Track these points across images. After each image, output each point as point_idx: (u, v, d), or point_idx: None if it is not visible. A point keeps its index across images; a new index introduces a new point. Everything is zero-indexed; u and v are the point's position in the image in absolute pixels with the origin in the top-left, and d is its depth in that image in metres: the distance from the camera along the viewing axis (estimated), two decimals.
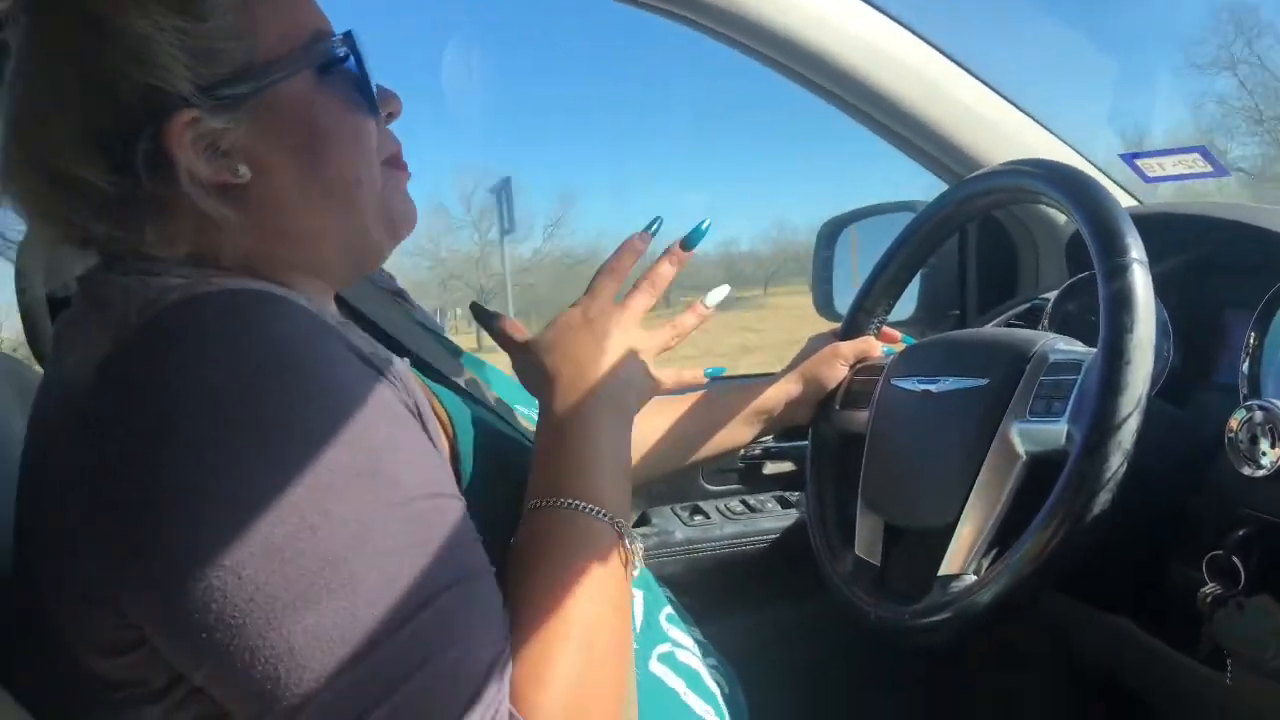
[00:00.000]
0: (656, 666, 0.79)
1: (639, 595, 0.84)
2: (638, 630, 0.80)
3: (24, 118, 0.66)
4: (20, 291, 1.26)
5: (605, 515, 0.70)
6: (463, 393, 0.81)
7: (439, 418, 0.70)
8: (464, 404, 0.75)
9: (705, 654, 0.88)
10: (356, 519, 0.56)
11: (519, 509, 0.70)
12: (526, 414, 0.87)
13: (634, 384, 0.79)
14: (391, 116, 0.76)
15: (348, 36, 0.70)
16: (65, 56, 0.64)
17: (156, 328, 0.59)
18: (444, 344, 0.89)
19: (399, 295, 0.96)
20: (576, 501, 0.69)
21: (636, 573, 0.71)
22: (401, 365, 0.68)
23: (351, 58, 0.70)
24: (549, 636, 0.62)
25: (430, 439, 0.66)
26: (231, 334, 0.58)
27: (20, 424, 0.80)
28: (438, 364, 0.83)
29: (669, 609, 0.88)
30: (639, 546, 0.71)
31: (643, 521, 1.43)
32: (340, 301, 0.84)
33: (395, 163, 0.76)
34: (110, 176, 0.64)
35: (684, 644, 0.85)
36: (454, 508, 0.62)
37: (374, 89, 0.72)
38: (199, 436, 0.55)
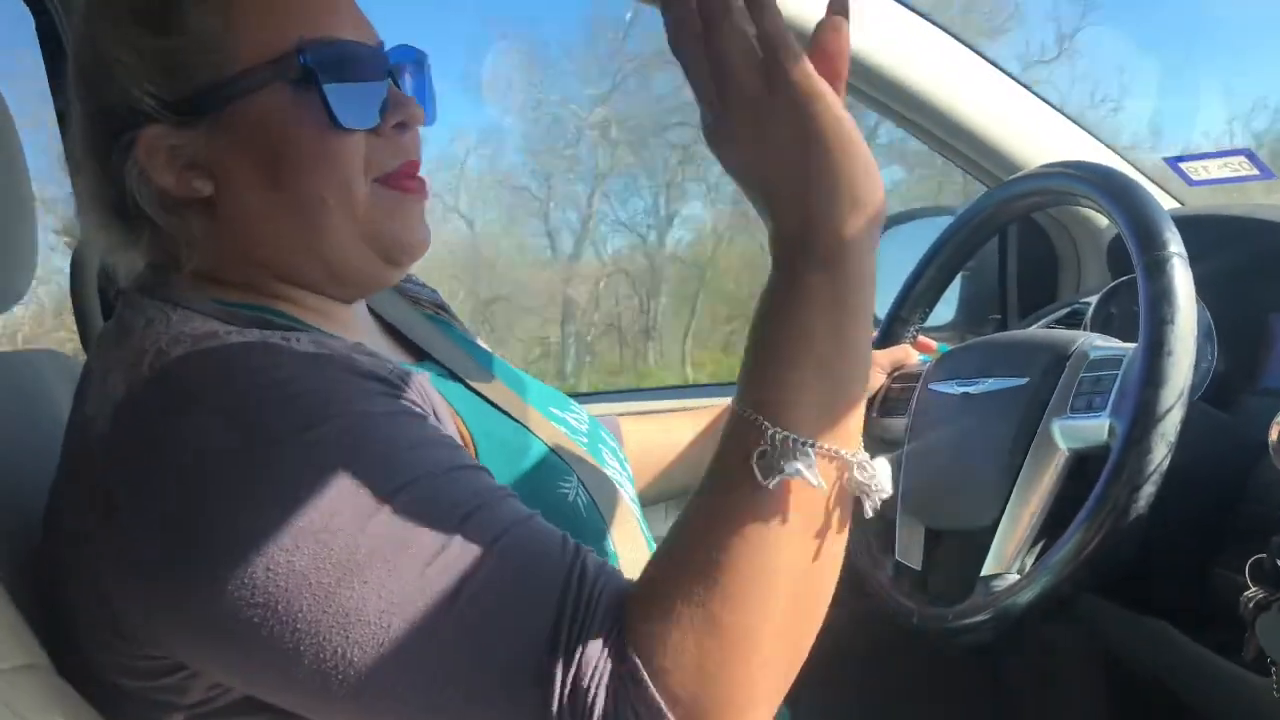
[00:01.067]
0: None
1: None
2: None
3: (69, 104, 0.70)
4: (74, 286, 1.30)
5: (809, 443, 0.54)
6: (492, 407, 0.79)
7: (460, 433, 0.69)
8: (490, 423, 0.74)
9: None
10: (388, 516, 0.56)
11: (553, 523, 0.67)
12: (560, 417, 0.87)
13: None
14: (404, 126, 0.70)
15: (338, 45, 0.67)
16: (74, 57, 0.69)
17: (163, 385, 0.60)
18: (478, 356, 0.88)
19: (441, 309, 0.96)
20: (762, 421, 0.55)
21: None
22: (420, 378, 0.67)
23: (335, 68, 0.66)
24: (684, 573, 0.54)
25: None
26: (226, 391, 0.59)
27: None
28: (468, 377, 0.80)
29: None
30: (873, 478, 0.57)
31: None
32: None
33: (396, 181, 0.70)
34: (104, 171, 0.68)
35: None
36: (482, 476, 0.61)
37: (362, 101, 0.67)
38: (203, 491, 0.57)
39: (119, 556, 0.59)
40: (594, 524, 0.73)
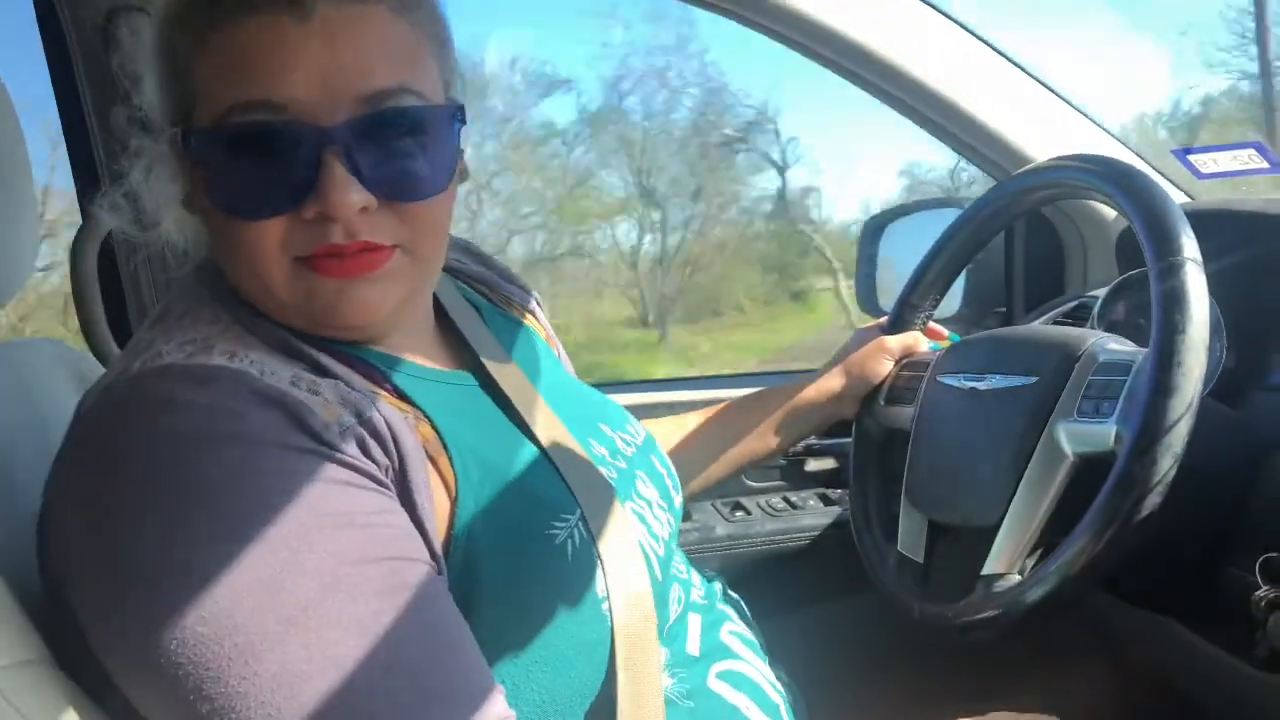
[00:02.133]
0: (716, 684, 0.78)
1: (696, 621, 0.82)
2: (697, 654, 0.79)
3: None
4: (74, 274, 1.29)
5: None
6: (516, 429, 0.77)
7: (443, 474, 0.68)
8: (495, 453, 0.72)
9: (769, 663, 0.87)
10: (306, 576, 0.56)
11: (521, 566, 0.68)
12: (608, 436, 0.85)
13: None
14: (326, 217, 0.65)
15: (263, 122, 0.63)
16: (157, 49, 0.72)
17: (131, 386, 0.61)
18: (534, 368, 0.86)
19: (529, 312, 0.96)
20: None
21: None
22: (399, 423, 0.65)
23: (253, 145, 0.64)
24: None
25: (414, 497, 0.64)
26: (163, 420, 0.58)
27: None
28: (511, 392, 0.79)
29: (732, 624, 0.87)
30: None
31: (684, 517, 1.44)
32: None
33: (313, 263, 0.66)
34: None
35: (746, 657, 0.84)
36: (416, 571, 0.61)
37: (274, 182, 0.64)
38: (116, 512, 0.57)
39: (72, 562, 0.59)
40: (583, 565, 0.71)
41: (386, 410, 0.65)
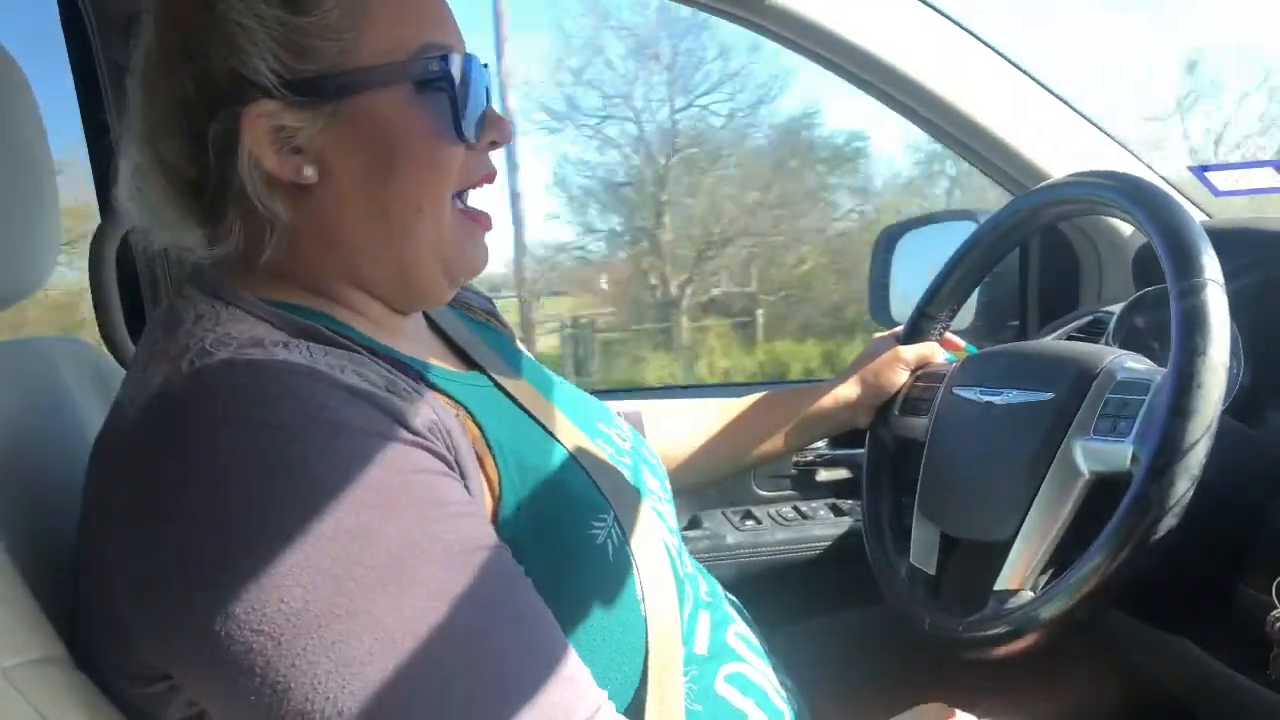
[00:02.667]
0: (724, 688, 0.78)
1: (705, 618, 0.82)
2: (705, 653, 0.79)
3: (143, 83, 0.68)
4: (93, 277, 1.30)
5: None
6: (539, 427, 0.78)
7: (488, 477, 0.68)
8: (529, 451, 0.72)
9: (773, 667, 0.87)
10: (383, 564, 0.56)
11: (565, 568, 0.68)
12: (604, 433, 0.86)
13: None
14: (495, 145, 0.74)
15: (458, 57, 0.68)
16: (174, 24, 0.66)
17: (200, 383, 0.59)
18: (526, 369, 0.87)
19: (491, 315, 0.96)
20: None
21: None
22: (453, 423, 0.66)
23: (454, 81, 0.68)
24: None
25: (472, 494, 0.65)
26: (266, 409, 0.58)
27: (94, 409, 0.83)
28: (517, 394, 0.79)
29: (735, 624, 0.87)
30: None
31: (694, 524, 1.44)
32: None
33: (473, 215, 0.74)
34: (186, 150, 0.66)
35: (749, 659, 0.84)
36: (497, 557, 0.62)
37: (472, 116, 0.69)
38: (216, 497, 0.56)
39: (130, 552, 0.58)
40: (621, 567, 0.71)
41: (440, 407, 0.66)
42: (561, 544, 0.68)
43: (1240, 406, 1.00)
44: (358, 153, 0.67)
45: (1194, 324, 0.80)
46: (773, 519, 1.45)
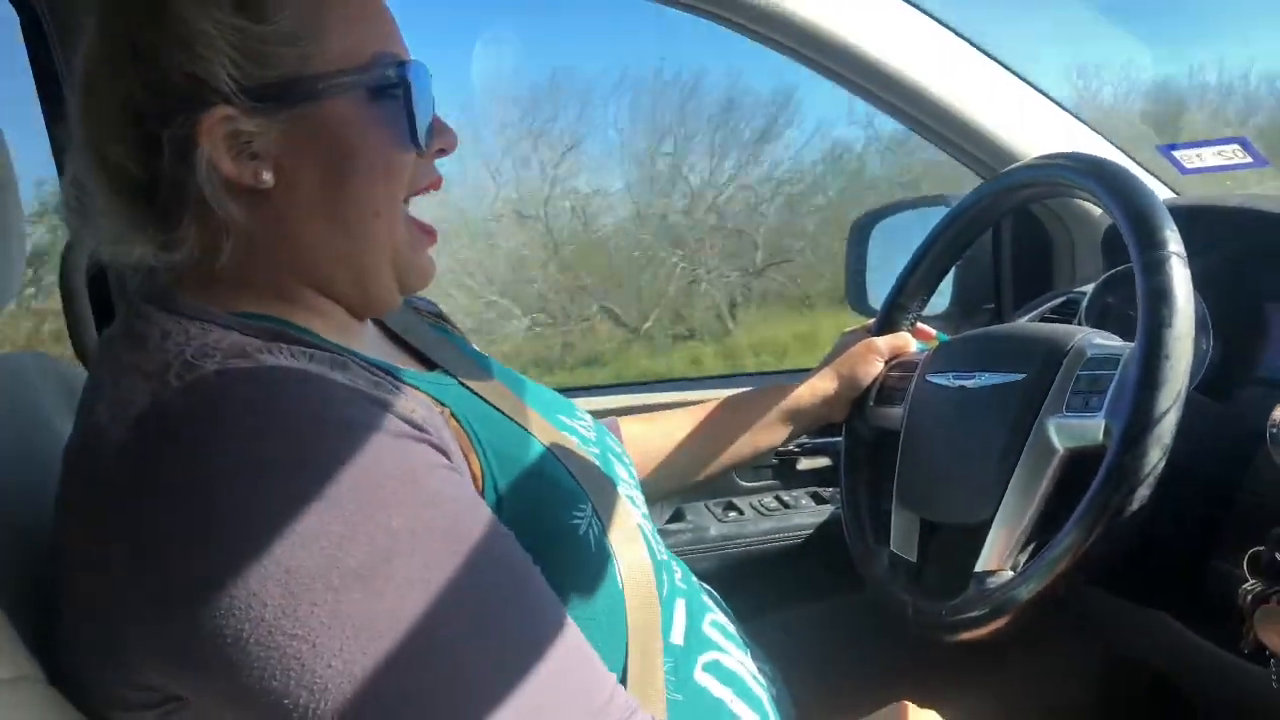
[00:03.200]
0: (702, 676, 0.78)
1: (681, 606, 0.83)
2: (681, 643, 0.79)
3: (84, 87, 0.67)
4: (64, 287, 1.29)
5: None
6: (509, 422, 0.78)
7: (472, 470, 0.69)
8: (506, 444, 0.73)
9: (752, 656, 0.88)
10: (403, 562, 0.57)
11: (549, 559, 0.68)
12: (568, 425, 0.86)
13: None
14: (443, 152, 0.75)
15: (410, 66, 0.69)
16: (123, 26, 0.65)
17: (198, 395, 0.58)
18: (485, 365, 0.87)
19: (439, 317, 0.96)
20: None
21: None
22: (436, 416, 0.67)
23: (407, 88, 0.68)
24: None
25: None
26: (271, 415, 0.57)
27: (69, 426, 0.82)
28: (482, 391, 0.80)
29: (712, 613, 0.87)
30: None
31: (677, 517, 1.44)
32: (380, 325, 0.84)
33: (420, 225, 0.75)
34: (135, 155, 0.65)
35: (727, 648, 0.84)
36: (511, 547, 0.63)
37: (423, 124, 0.70)
38: (231, 505, 0.55)
39: (136, 571, 0.57)
40: (602, 556, 0.72)
41: (425, 404, 0.67)
42: (545, 535, 0.68)
43: (1210, 382, 1.01)
44: (315, 158, 0.67)
45: (1159, 297, 0.81)
46: (755, 509, 1.46)
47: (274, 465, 0.56)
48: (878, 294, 1.46)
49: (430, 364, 0.82)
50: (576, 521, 0.71)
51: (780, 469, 1.51)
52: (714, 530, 1.41)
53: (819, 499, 1.48)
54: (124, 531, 0.57)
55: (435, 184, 0.76)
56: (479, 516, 0.62)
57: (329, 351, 0.66)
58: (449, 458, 0.64)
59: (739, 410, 1.17)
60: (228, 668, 0.54)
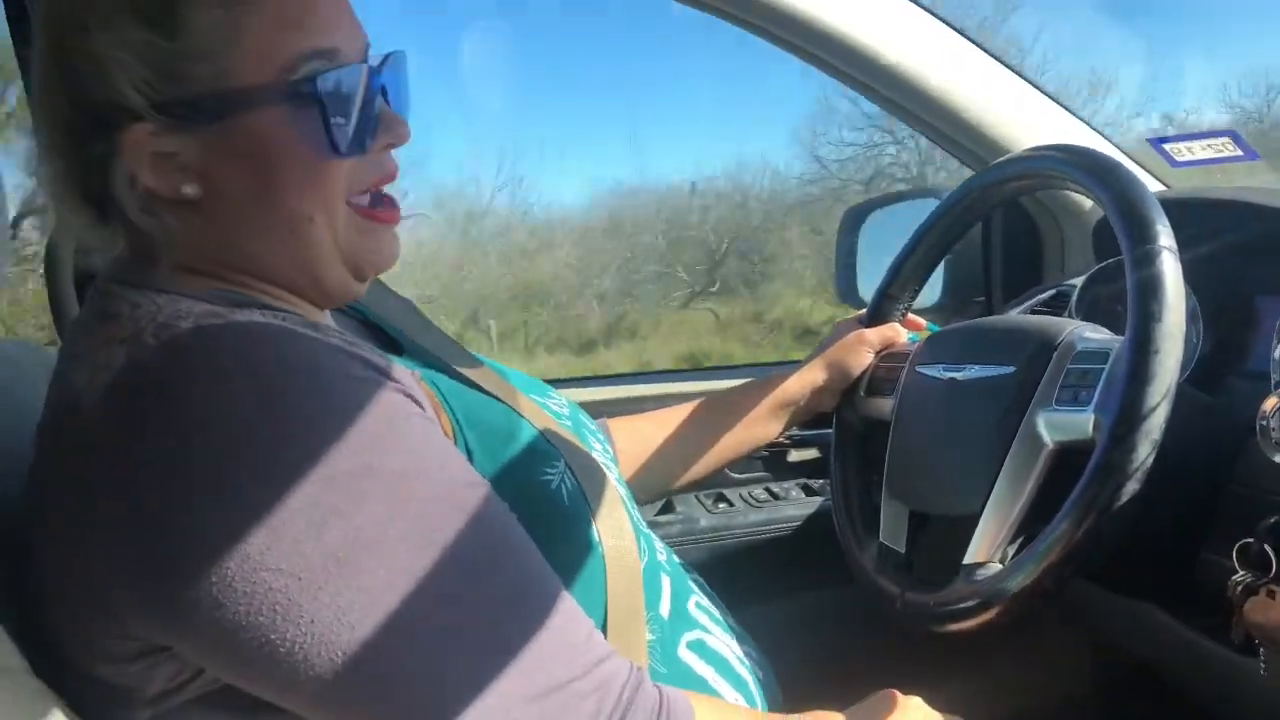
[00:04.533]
0: (685, 654, 0.79)
1: (666, 582, 0.84)
2: (666, 618, 0.80)
3: (33, 100, 0.68)
4: (49, 275, 1.28)
5: None
6: (479, 391, 0.80)
7: (441, 424, 0.71)
8: (477, 409, 0.76)
9: (737, 639, 0.88)
10: (389, 516, 0.58)
11: (523, 513, 0.69)
12: (542, 402, 0.87)
13: None
14: (391, 145, 0.72)
15: (337, 72, 0.66)
16: (52, 46, 0.66)
17: (175, 349, 0.60)
18: (454, 345, 0.89)
19: (403, 301, 0.96)
20: None
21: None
22: (407, 375, 0.68)
23: (330, 95, 0.66)
24: None
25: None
26: (249, 363, 0.59)
27: None
28: (453, 363, 0.82)
29: (697, 596, 0.88)
30: None
31: (667, 509, 1.44)
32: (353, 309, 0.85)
33: (370, 212, 0.72)
34: (73, 167, 0.66)
35: (713, 630, 0.85)
36: (489, 494, 0.64)
37: (351, 127, 0.68)
38: (215, 452, 0.57)
39: (125, 528, 0.58)
40: (578, 511, 0.74)
41: (397, 365, 0.68)
42: (517, 489, 0.70)
43: (1200, 374, 1.01)
44: (240, 170, 0.66)
45: (1149, 290, 0.81)
46: (745, 500, 1.46)
47: (253, 411, 0.57)
48: (868, 285, 1.46)
49: (398, 350, 0.84)
50: (548, 478, 0.74)
51: (770, 460, 1.51)
52: (704, 521, 1.41)
53: (809, 490, 1.48)
54: (109, 486, 0.58)
55: (387, 178, 0.73)
56: (457, 460, 0.65)
57: (300, 317, 0.68)
58: (422, 408, 0.66)
59: (729, 405, 1.17)
60: (214, 608, 0.56)
